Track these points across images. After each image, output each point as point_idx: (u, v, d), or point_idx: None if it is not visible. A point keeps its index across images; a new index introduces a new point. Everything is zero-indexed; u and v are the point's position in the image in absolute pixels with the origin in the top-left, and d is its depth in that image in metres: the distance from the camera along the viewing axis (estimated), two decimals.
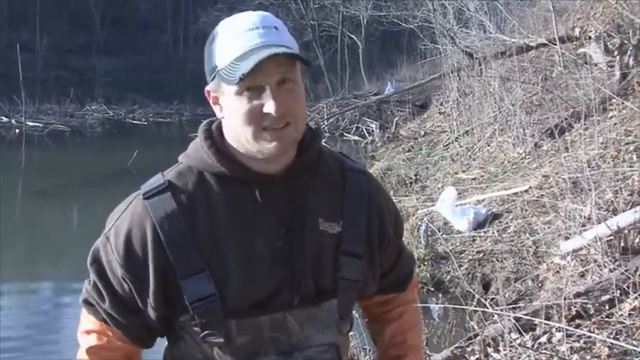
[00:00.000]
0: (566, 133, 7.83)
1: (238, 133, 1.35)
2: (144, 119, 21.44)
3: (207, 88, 1.40)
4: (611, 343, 3.58)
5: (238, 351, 1.39)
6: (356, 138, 16.25)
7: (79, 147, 17.53)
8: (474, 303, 4.68)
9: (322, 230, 1.43)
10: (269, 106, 1.31)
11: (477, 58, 11.02)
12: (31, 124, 18.31)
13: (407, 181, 9.90)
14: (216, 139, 1.42)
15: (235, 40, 1.32)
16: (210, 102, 1.41)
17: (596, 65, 9.20)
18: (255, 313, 1.38)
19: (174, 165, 1.46)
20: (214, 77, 1.36)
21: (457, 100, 12.01)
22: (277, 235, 1.39)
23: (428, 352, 4.33)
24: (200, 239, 1.37)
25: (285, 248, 1.40)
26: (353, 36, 24.98)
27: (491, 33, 11.47)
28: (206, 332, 1.38)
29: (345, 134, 16.66)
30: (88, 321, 1.47)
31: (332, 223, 1.44)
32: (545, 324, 3.99)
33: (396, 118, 15.56)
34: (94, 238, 1.47)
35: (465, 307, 4.70)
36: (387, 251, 1.56)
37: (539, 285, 5.25)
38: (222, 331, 1.37)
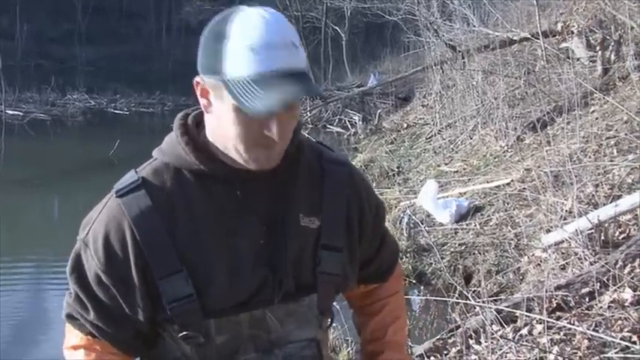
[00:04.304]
0: (548, 127, 7.88)
1: (226, 140, 1.30)
2: (126, 109, 21.31)
3: (198, 80, 1.29)
4: (591, 335, 3.61)
5: (218, 350, 1.36)
6: (339, 130, 16.25)
7: (60, 136, 17.37)
8: (456, 295, 4.71)
9: (303, 226, 1.40)
10: (272, 132, 1.25)
11: (460, 52, 11.05)
12: (11, 112, 18.12)
13: (389, 173, 9.93)
14: (193, 133, 1.36)
15: (252, 54, 1.20)
16: (197, 93, 1.31)
17: (578, 60, 9.28)
18: (235, 312, 1.35)
19: (147, 161, 1.40)
20: (215, 77, 1.24)
21: (440, 92, 12.05)
22: (259, 233, 1.36)
23: (410, 343, 4.35)
24: (180, 239, 1.32)
25: (266, 246, 1.36)
26: (337, 28, 24.96)
27: (474, 26, 11.50)
28: (185, 333, 1.34)
29: (328, 126, 16.65)
30: (73, 336, 1.41)
31: (312, 217, 1.41)
32: (526, 316, 4.02)
33: (378, 111, 15.59)
34: (74, 228, 1.41)
35: (446, 299, 4.74)
36: (366, 242, 1.53)
37: (521, 277, 5.29)
38: (201, 331, 1.34)
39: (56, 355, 1.47)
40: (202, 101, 1.31)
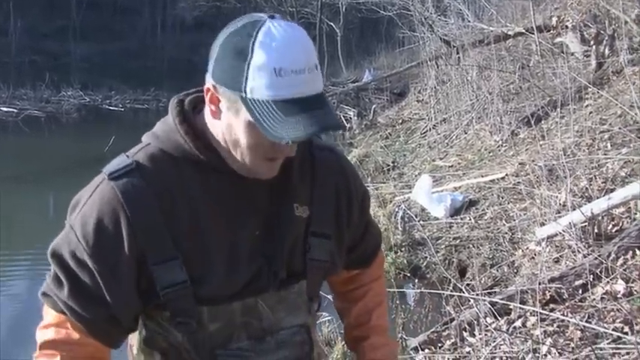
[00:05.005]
0: (543, 122, 7.90)
1: (234, 147, 1.30)
2: (120, 105, 21.21)
3: (210, 87, 1.26)
4: (584, 326, 3.64)
5: (211, 337, 1.37)
6: None
7: (55, 133, 17.28)
8: (450, 288, 4.73)
9: (297, 216, 1.41)
10: (283, 150, 1.29)
11: (454, 47, 11.07)
12: (5, 109, 18.04)
13: (384, 168, 9.94)
14: (191, 120, 1.34)
15: (277, 77, 1.18)
16: (207, 98, 1.28)
17: (572, 54, 9.30)
18: (229, 300, 1.36)
19: (138, 146, 1.37)
20: (232, 92, 1.22)
21: (435, 88, 12.05)
22: (255, 224, 1.37)
23: (404, 336, 4.38)
24: (177, 225, 1.30)
25: (262, 237, 1.38)
26: (331, 23, 24.92)
27: (469, 21, 11.52)
28: (178, 319, 1.34)
29: None
30: (47, 315, 1.38)
31: (304, 206, 1.43)
32: (520, 308, 4.05)
33: (374, 106, 15.57)
34: None
35: (441, 292, 4.75)
36: (352, 229, 1.55)
37: (515, 270, 5.31)
38: (194, 318, 1.34)
39: None
40: (211, 107, 1.29)
